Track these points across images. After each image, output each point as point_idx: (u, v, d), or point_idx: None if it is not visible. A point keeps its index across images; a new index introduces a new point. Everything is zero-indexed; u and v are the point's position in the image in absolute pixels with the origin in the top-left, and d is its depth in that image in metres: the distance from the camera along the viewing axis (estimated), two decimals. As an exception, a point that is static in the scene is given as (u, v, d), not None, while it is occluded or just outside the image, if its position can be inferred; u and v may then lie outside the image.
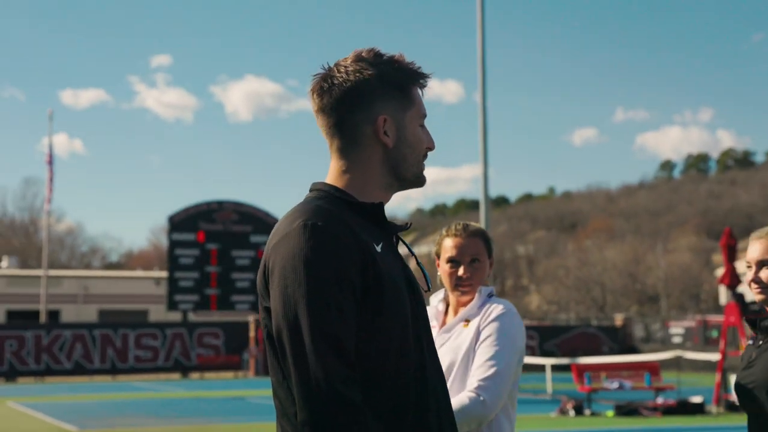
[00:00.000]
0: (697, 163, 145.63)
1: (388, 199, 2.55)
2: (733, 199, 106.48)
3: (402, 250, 2.64)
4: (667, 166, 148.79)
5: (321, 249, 2.26)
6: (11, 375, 32.23)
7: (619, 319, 43.86)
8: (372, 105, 2.46)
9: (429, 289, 2.73)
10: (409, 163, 2.52)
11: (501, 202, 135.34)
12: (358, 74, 2.44)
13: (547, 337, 39.72)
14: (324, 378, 2.18)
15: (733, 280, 19.07)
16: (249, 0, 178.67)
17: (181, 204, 75.38)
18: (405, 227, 2.57)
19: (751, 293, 3.68)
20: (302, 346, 2.22)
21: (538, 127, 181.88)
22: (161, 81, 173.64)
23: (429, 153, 2.60)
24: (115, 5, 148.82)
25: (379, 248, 2.37)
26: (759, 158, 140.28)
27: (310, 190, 2.52)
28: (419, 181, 2.59)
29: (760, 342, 3.68)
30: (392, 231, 2.52)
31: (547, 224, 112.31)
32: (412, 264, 2.73)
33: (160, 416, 19.53)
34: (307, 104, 2.55)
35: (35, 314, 49.41)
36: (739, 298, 19.08)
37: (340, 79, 2.45)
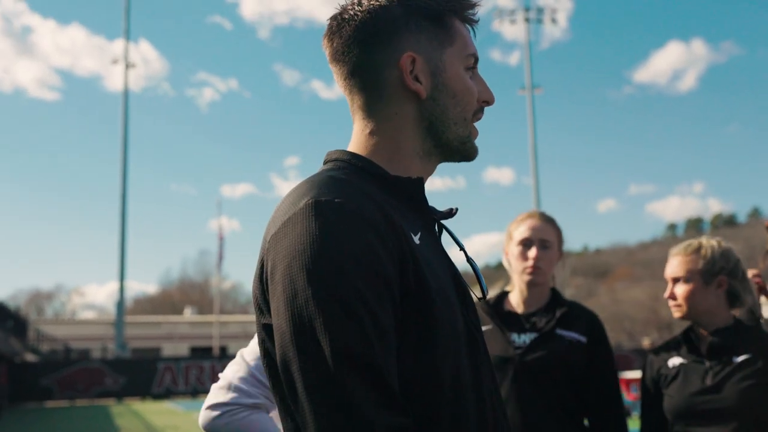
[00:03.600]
0: (695, 224, 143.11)
1: (428, 174, 1.37)
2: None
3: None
4: (672, 227, 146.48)
5: (342, 235, 1.14)
6: (194, 394, 32.12)
7: (646, 342, 42.19)
8: (395, 41, 1.32)
9: (485, 296, 1.41)
10: (451, 119, 1.33)
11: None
12: (373, 2, 1.34)
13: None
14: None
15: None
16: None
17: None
18: (450, 214, 1.37)
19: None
20: (324, 384, 1.09)
21: (572, 198, 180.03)
22: (293, 176, 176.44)
23: (486, 109, 1.39)
24: (253, 121, 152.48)
25: (417, 239, 1.24)
26: (741, 218, 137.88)
27: (324, 162, 1.37)
28: (465, 148, 1.36)
29: (708, 364, 2.60)
30: (435, 217, 1.35)
31: (584, 273, 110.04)
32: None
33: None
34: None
35: (210, 349, 49.61)
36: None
37: (351, 13, 1.34)
